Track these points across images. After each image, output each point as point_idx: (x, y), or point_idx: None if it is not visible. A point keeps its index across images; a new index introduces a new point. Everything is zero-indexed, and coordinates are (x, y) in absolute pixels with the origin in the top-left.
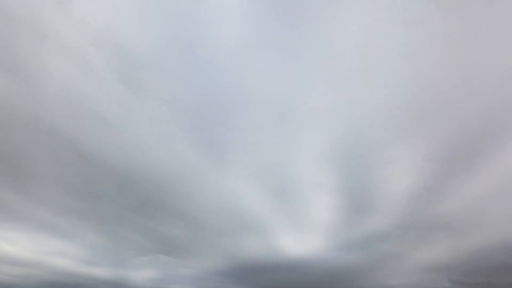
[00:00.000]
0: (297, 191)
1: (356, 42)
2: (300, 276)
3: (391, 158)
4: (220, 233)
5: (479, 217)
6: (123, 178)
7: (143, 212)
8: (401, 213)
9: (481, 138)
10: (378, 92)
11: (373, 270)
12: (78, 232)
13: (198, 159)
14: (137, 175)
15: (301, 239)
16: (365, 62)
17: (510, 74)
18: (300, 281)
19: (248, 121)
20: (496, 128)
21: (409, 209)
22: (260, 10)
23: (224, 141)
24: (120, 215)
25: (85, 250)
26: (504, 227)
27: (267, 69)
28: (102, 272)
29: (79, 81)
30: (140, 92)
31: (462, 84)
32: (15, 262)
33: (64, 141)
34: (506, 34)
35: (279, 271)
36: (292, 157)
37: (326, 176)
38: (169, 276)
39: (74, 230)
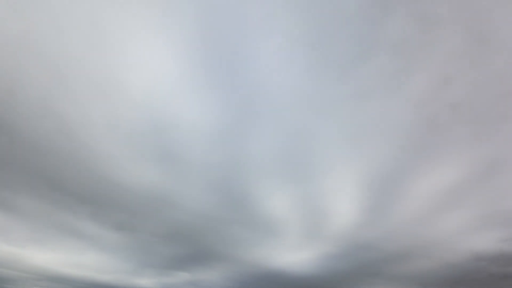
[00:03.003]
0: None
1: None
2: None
3: (330, 188)
4: (205, 247)
5: (413, 240)
6: (96, 206)
7: (122, 234)
8: (348, 237)
9: (404, 168)
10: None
11: (337, 283)
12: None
13: (152, 195)
14: (112, 203)
15: (275, 254)
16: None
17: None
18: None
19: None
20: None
21: (354, 233)
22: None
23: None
24: (100, 235)
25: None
26: (442, 249)
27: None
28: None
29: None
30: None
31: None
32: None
33: (38, 177)
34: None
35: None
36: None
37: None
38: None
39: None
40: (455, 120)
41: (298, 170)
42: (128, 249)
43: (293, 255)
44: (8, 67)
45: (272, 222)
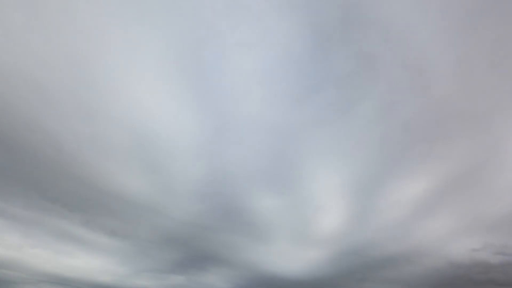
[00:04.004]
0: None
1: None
2: None
3: (312, 199)
4: (198, 252)
5: (395, 247)
6: (88, 214)
7: (115, 239)
8: (334, 244)
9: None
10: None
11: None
12: None
13: (140, 204)
14: (103, 211)
15: (266, 259)
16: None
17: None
18: None
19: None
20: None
21: (339, 240)
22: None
23: (156, 201)
24: (93, 241)
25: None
26: (422, 256)
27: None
28: None
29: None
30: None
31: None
32: None
33: (31, 189)
34: None
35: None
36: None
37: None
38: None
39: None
40: (407, 139)
41: (280, 183)
42: (122, 254)
43: (283, 261)
44: (2, 91)
45: (261, 230)
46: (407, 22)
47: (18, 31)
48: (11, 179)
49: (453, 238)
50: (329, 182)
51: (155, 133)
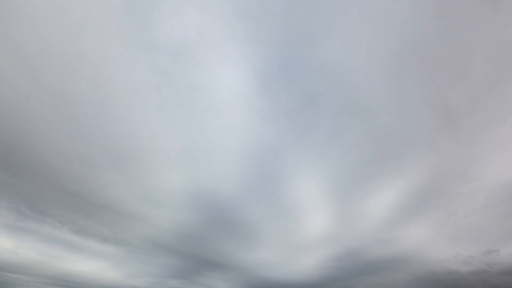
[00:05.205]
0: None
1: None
2: None
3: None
4: (191, 257)
5: (379, 254)
6: (80, 224)
7: (108, 246)
8: (320, 251)
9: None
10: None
11: None
12: None
13: (127, 213)
14: (93, 220)
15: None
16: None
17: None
18: None
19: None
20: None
21: (324, 248)
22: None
23: (142, 211)
24: (88, 247)
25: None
26: (404, 263)
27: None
28: None
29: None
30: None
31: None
32: None
33: (23, 202)
34: None
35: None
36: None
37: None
38: None
39: None
40: (359, 160)
41: (262, 198)
42: (115, 259)
43: (272, 266)
44: None
45: (251, 238)
46: (343, 65)
47: (7, 75)
48: (5, 195)
49: (424, 249)
50: (305, 196)
51: (137, 153)
